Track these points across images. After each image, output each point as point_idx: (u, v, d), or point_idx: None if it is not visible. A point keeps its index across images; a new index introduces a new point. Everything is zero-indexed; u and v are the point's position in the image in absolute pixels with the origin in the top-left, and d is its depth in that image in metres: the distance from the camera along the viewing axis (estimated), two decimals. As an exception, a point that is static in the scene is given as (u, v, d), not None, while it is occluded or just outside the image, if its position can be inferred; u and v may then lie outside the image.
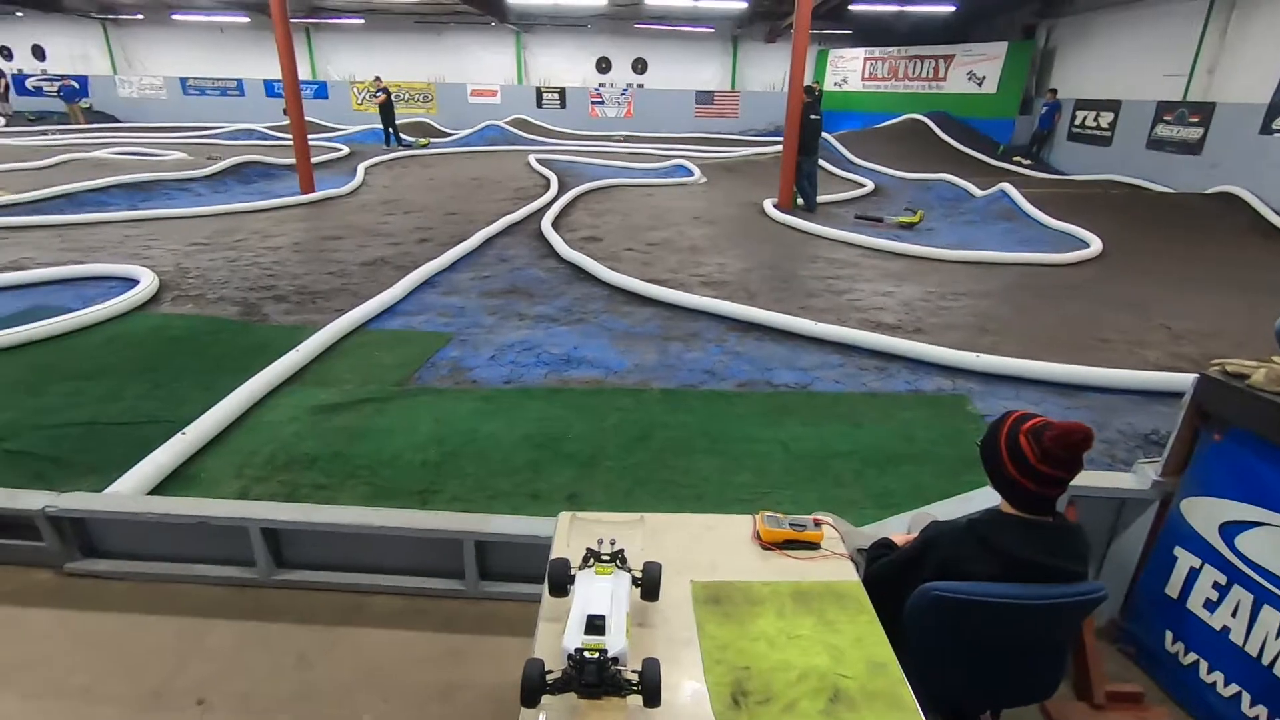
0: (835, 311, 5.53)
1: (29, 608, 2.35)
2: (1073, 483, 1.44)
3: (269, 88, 21.73)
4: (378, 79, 16.54)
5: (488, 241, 7.52)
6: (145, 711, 1.97)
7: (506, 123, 19.15)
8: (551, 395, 4.03)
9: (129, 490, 2.82)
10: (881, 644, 1.34)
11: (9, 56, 23.39)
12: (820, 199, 10.11)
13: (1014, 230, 8.93)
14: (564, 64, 22.78)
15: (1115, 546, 2.38)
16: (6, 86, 19.42)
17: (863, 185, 11.73)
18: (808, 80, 9.86)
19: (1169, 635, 2.12)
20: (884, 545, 1.74)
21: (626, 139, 19.09)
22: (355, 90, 21.94)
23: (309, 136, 10.41)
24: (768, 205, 9.70)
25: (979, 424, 3.74)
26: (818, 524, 1.65)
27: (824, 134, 11.07)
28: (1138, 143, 11.85)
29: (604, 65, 22.88)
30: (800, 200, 9.96)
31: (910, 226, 8.99)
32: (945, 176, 11.62)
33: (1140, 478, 2.27)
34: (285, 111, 10.11)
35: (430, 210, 9.34)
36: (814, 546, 1.61)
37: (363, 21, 21.65)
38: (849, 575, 1.54)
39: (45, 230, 7.54)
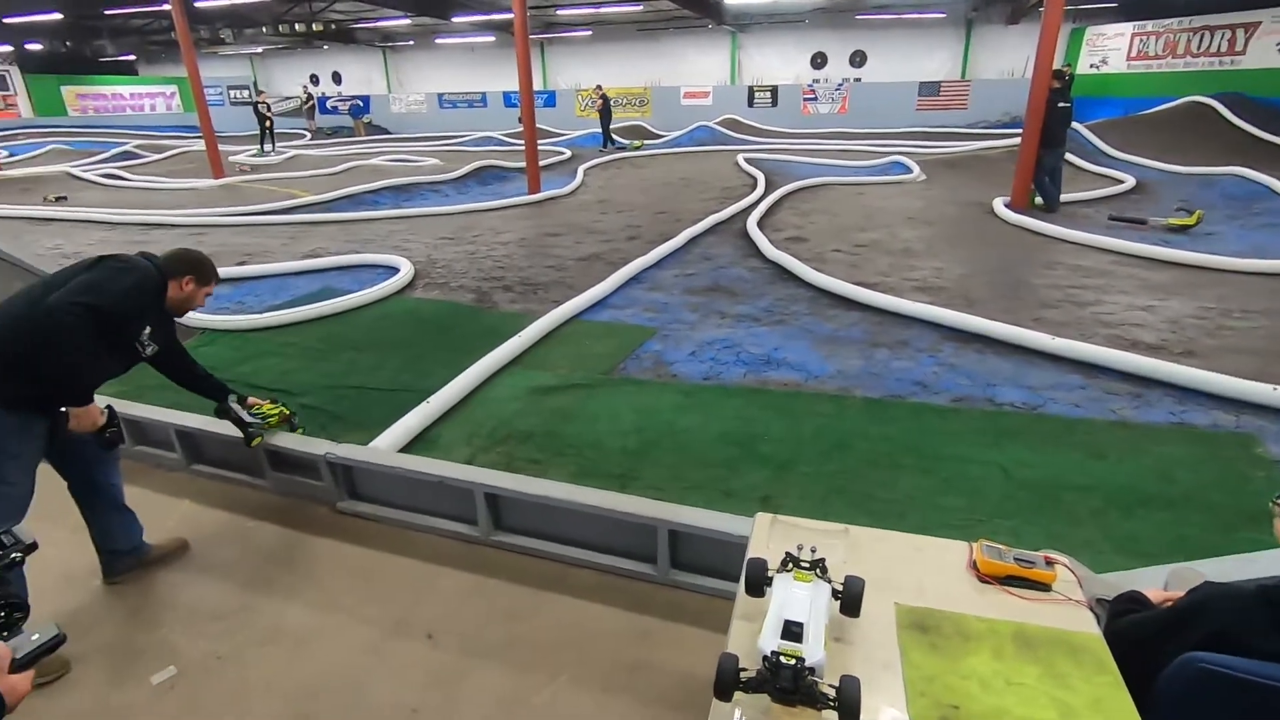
0: (1077, 326, 4.85)
1: (312, 535, 2.87)
2: None
3: (507, 99, 24.16)
4: (598, 87, 17.80)
5: (693, 240, 7.68)
6: (390, 637, 2.32)
7: (717, 123, 19.35)
8: (750, 395, 4.02)
9: (386, 446, 3.33)
10: (1128, 713, 1.16)
11: (316, 81, 28.64)
12: (1064, 197, 8.91)
13: (1336, 235, 7.17)
14: (777, 62, 22.52)
15: None
16: (313, 107, 23.73)
17: (1121, 181, 10.13)
18: (1057, 64, 8.70)
19: None
20: (1133, 599, 1.50)
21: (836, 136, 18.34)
22: (579, 98, 23.61)
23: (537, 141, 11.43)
24: (998, 204, 8.77)
25: (1271, 471, 3.07)
26: (1049, 563, 1.47)
27: (1073, 123, 9.73)
28: None
29: (819, 61, 22.21)
30: (1039, 199, 8.86)
31: (1185, 229, 7.58)
32: (1236, 170, 9.66)
33: None
34: (520, 119, 11.22)
35: (640, 209, 9.77)
36: (1043, 588, 1.44)
37: (590, 33, 23.23)
38: (1088, 626, 1.35)
39: (333, 225, 9.12)
